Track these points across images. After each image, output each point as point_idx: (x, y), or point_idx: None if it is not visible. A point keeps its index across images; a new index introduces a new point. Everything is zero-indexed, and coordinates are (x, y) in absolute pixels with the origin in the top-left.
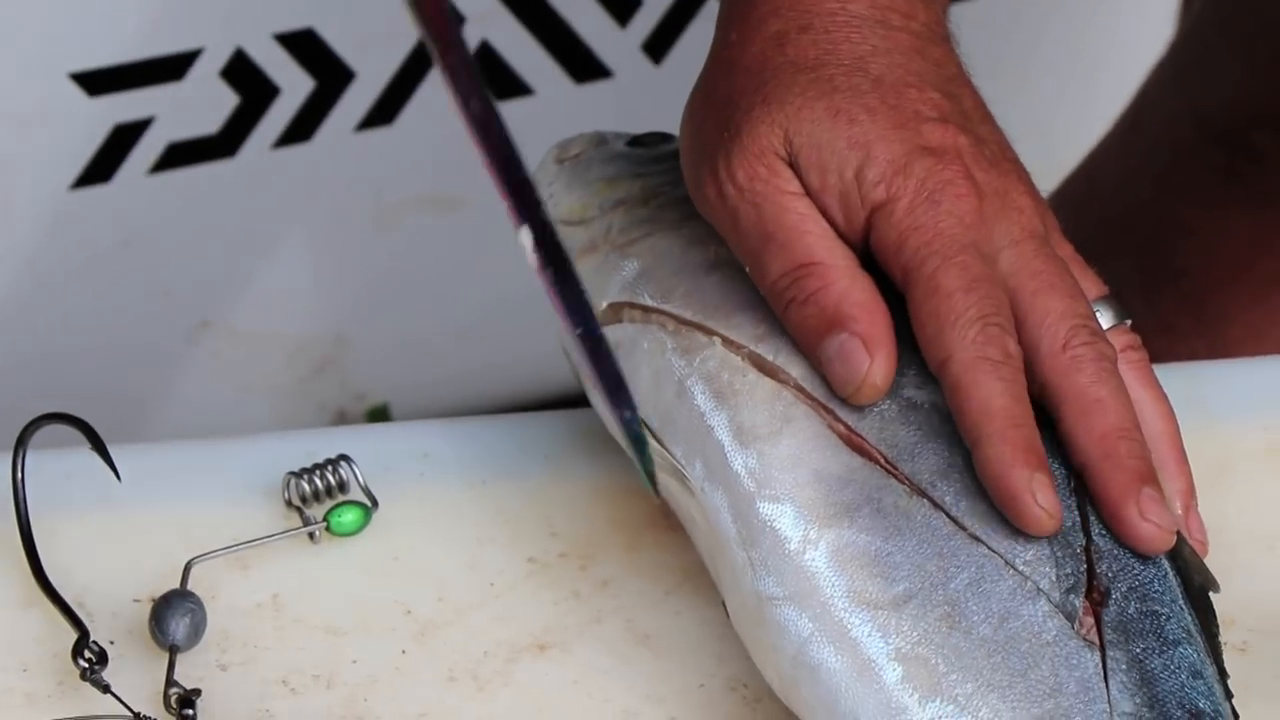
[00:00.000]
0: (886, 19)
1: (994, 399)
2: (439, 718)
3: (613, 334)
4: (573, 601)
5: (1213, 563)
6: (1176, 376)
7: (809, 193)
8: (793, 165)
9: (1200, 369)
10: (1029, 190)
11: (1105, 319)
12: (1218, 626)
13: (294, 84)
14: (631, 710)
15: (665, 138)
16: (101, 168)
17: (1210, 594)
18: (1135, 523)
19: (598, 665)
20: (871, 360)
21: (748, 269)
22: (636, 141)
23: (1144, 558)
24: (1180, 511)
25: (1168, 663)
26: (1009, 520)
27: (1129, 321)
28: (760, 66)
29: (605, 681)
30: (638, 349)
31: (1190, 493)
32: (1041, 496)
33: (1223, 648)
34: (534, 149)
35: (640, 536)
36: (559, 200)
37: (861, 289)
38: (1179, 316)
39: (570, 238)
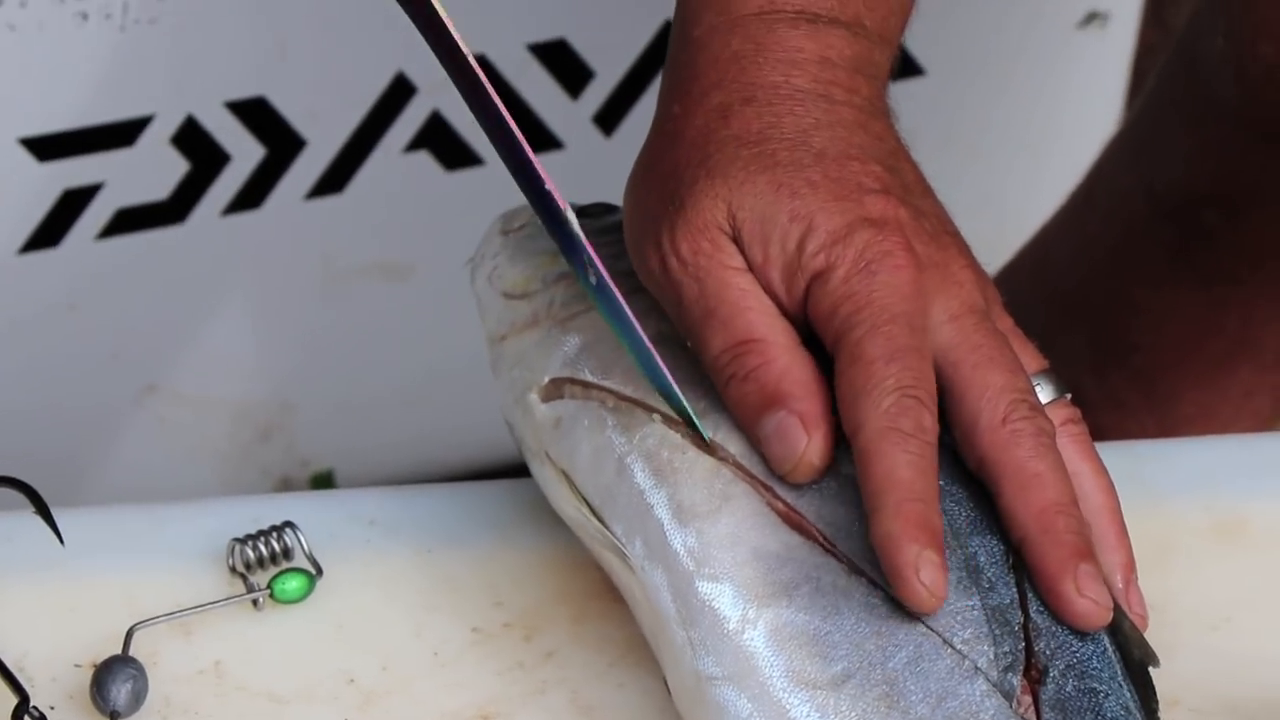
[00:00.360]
0: (829, 93)
1: (897, 470)
2: None
3: (553, 410)
4: (517, 672)
5: (1156, 641)
6: (1121, 454)
7: (752, 267)
8: (736, 239)
9: (1144, 447)
10: (969, 264)
11: (1045, 393)
12: (1157, 702)
13: (244, 151)
14: None
15: (610, 209)
16: (50, 232)
17: (1150, 669)
18: (1072, 599)
19: None
20: (809, 439)
21: (689, 344)
22: (582, 213)
23: (1082, 634)
24: (1121, 585)
25: None
26: (896, 597)
27: (1068, 395)
28: (704, 139)
29: None
30: (578, 426)
31: (1130, 566)
32: (925, 574)
33: None
34: (485, 218)
35: (585, 608)
36: (503, 274)
37: (801, 367)
38: (1129, 393)
39: (513, 311)
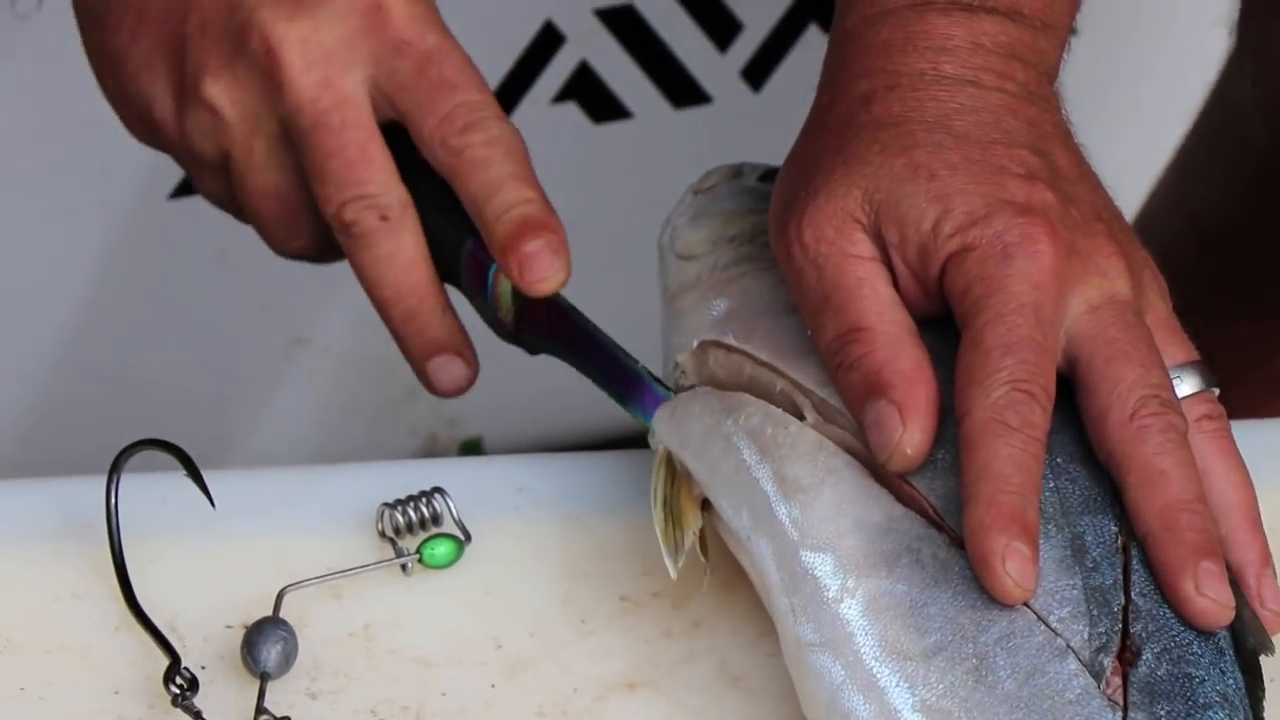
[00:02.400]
0: (979, 79)
1: (995, 462)
2: None
3: (671, 403)
4: (665, 641)
5: None
6: (1276, 434)
7: (888, 247)
8: (872, 224)
9: None
10: (1118, 252)
11: (1188, 386)
12: (1264, 690)
13: None
14: None
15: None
16: None
17: (1262, 657)
18: (1191, 597)
19: (688, 705)
20: (904, 428)
21: (808, 330)
22: (769, 176)
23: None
24: (1253, 580)
25: None
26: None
27: (1215, 390)
28: (844, 126)
29: None
30: (690, 413)
31: (1265, 561)
32: (1011, 564)
33: None
34: (629, 172)
35: (735, 576)
36: (681, 233)
37: (907, 358)
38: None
39: (681, 273)
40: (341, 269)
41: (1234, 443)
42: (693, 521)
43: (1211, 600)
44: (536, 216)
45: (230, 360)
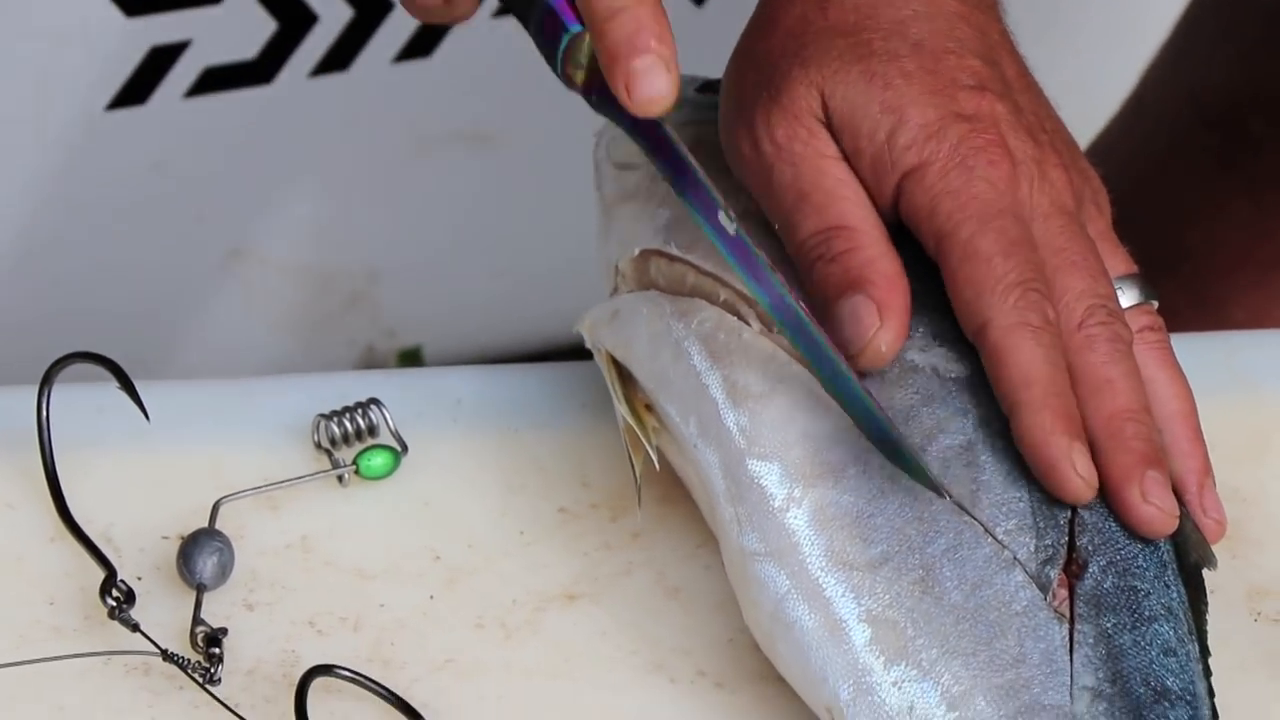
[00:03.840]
0: None
1: (1035, 366)
2: (465, 664)
3: (613, 304)
4: (603, 552)
5: (1248, 533)
6: (1215, 345)
7: (843, 156)
8: (828, 129)
9: (1240, 338)
10: (1063, 162)
11: (1130, 297)
12: (1207, 604)
13: (332, 12)
14: (659, 663)
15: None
16: (137, 89)
17: (1206, 571)
18: (1137, 504)
19: (626, 617)
20: (881, 324)
21: (777, 226)
22: (706, 87)
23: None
24: (1194, 490)
25: (1139, 638)
26: (1045, 488)
27: (1155, 302)
28: (800, 29)
29: (634, 634)
30: (637, 315)
31: (1204, 472)
32: (1080, 465)
33: (1256, 618)
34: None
35: (672, 489)
36: (618, 142)
37: (889, 261)
38: (1180, 300)
39: (619, 182)
40: (279, 179)
41: (1174, 354)
42: (649, 421)
43: (1157, 508)
44: (652, 25)
45: (166, 272)
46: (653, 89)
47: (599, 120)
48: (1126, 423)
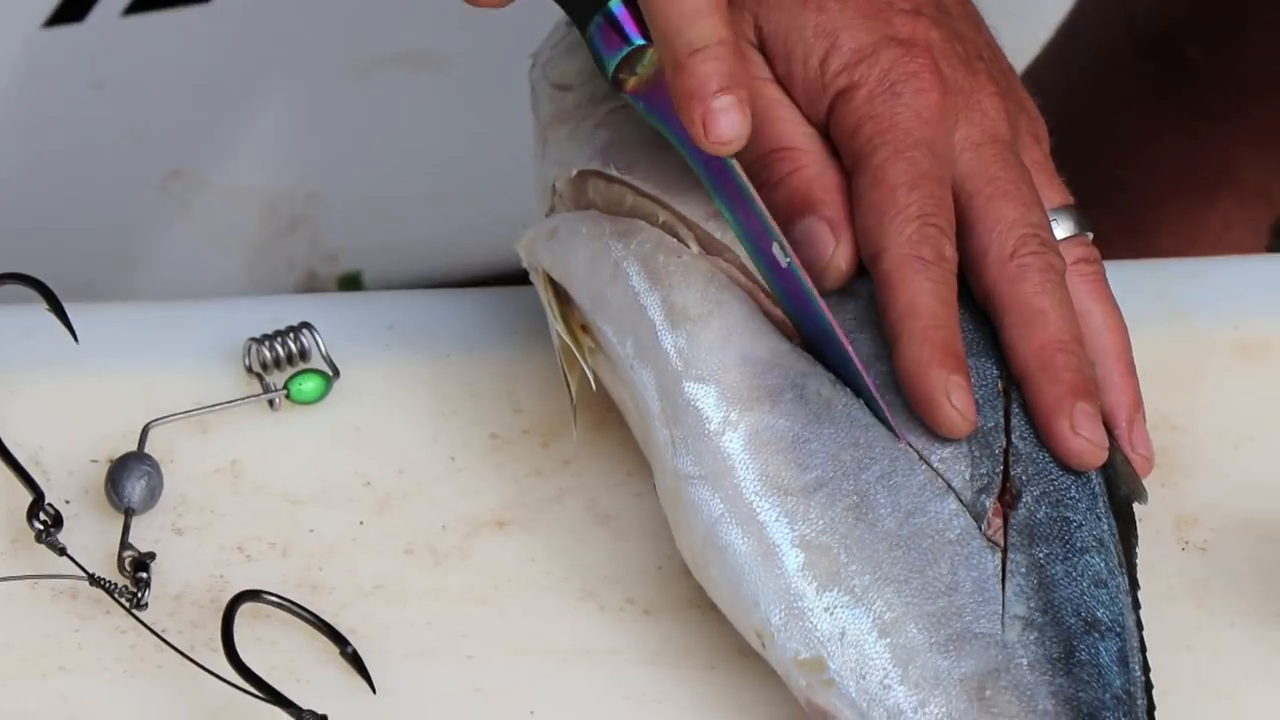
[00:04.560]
0: None
1: (920, 297)
2: (395, 590)
3: (551, 223)
4: (534, 479)
5: (1178, 461)
6: (1150, 273)
7: (776, 80)
8: (761, 52)
9: (1174, 266)
10: (999, 91)
11: (1065, 228)
12: (1137, 538)
13: None
14: (589, 590)
15: None
16: (75, 7)
17: (1135, 504)
18: (1066, 436)
19: (557, 544)
20: (836, 244)
21: None
22: None
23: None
24: (1124, 425)
25: (1070, 569)
26: (922, 419)
27: (1090, 234)
28: None
29: (564, 560)
30: (576, 234)
31: (1135, 406)
32: (956, 398)
33: (1184, 547)
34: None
35: (604, 416)
36: (557, 63)
37: (830, 174)
38: (1111, 229)
39: (557, 103)
40: (219, 100)
41: (1108, 286)
42: (584, 342)
43: (1086, 440)
44: (733, 68)
45: (104, 192)
46: (730, 130)
47: (539, 42)
48: (1057, 353)
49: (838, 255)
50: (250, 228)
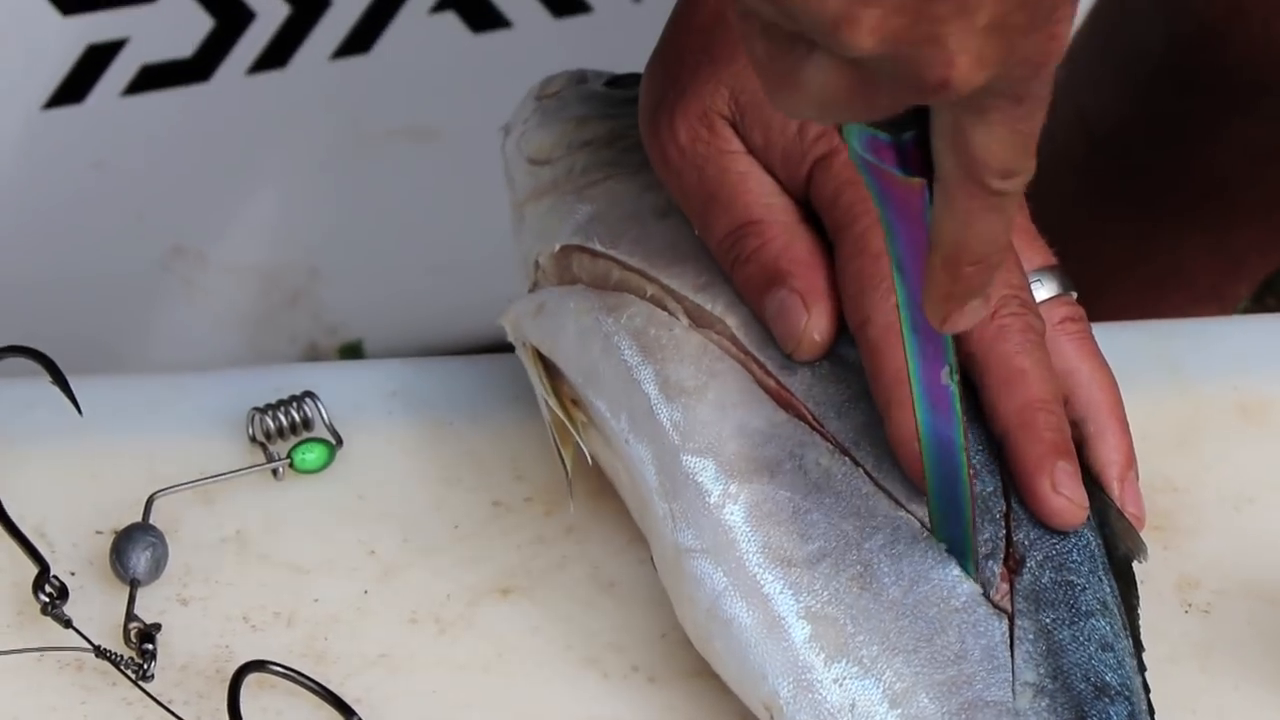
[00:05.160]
0: None
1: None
2: (399, 659)
3: (538, 298)
4: (537, 546)
5: (1179, 523)
6: (1147, 334)
7: (753, 150)
8: (737, 123)
9: (1171, 327)
10: None
11: (1048, 289)
12: (1138, 598)
13: (269, 9)
14: (593, 658)
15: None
16: (74, 88)
17: (1136, 563)
18: (1047, 496)
19: (560, 611)
20: (809, 315)
21: (696, 230)
22: (615, 82)
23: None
24: (1118, 482)
25: (1077, 634)
26: (913, 484)
27: (1074, 294)
28: (711, 25)
29: (567, 628)
30: (564, 309)
31: (1129, 464)
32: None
33: (1186, 609)
34: (510, 83)
35: (605, 483)
36: (530, 138)
37: (800, 244)
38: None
39: (535, 177)
40: (219, 176)
41: (1095, 344)
42: (576, 416)
43: (1067, 499)
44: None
45: (107, 270)
46: (968, 320)
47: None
48: (1038, 413)
49: (810, 327)
50: (252, 302)
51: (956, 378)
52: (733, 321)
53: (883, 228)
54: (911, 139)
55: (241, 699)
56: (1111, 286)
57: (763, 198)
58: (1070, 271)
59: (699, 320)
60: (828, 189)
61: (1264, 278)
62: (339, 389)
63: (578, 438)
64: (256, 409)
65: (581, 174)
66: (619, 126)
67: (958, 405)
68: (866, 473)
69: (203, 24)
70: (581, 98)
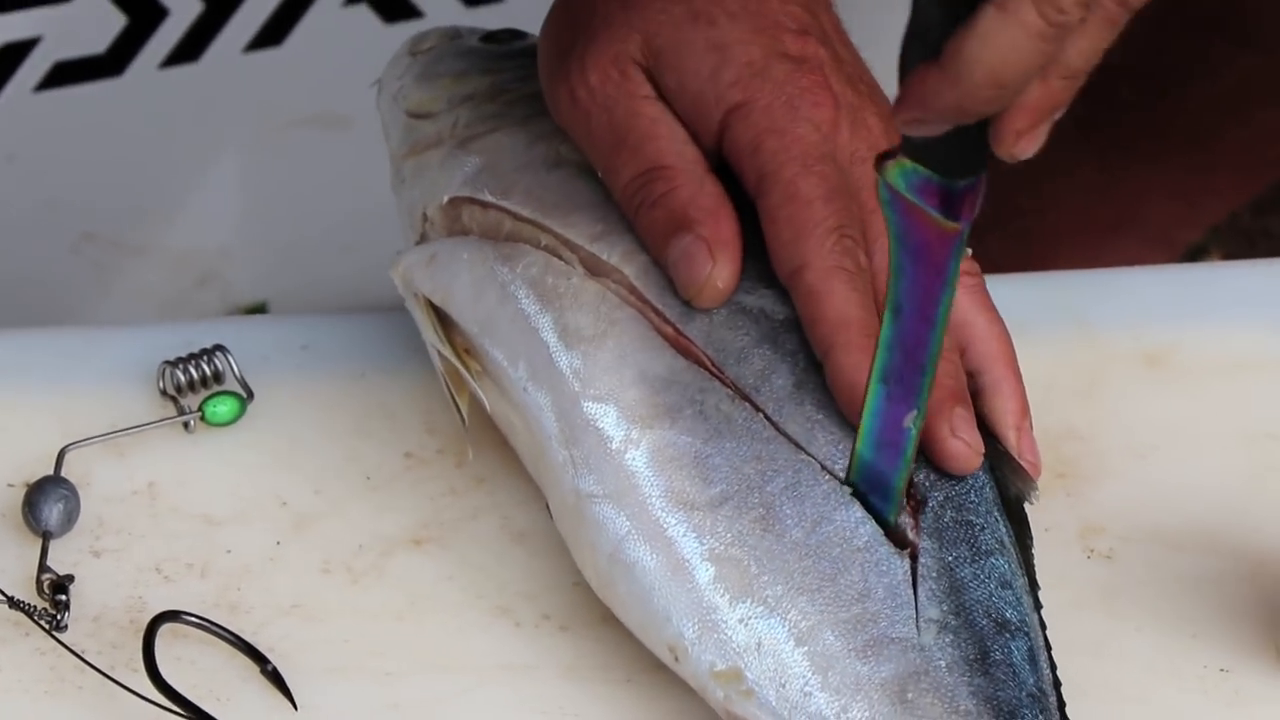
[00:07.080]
0: None
1: (850, 309)
2: (312, 609)
3: (429, 249)
4: (449, 497)
5: (1083, 470)
6: (1053, 284)
7: (665, 95)
8: (650, 68)
9: (1076, 278)
10: (880, 111)
11: None
12: (1031, 538)
13: (182, 4)
14: (505, 606)
15: (518, 34)
16: None
17: (1027, 504)
18: (946, 439)
19: (472, 561)
20: (714, 262)
21: (600, 174)
22: (490, 38)
23: None
24: (1013, 430)
25: (978, 572)
26: (852, 427)
27: (968, 250)
28: None
29: (479, 577)
30: (457, 259)
31: (1024, 413)
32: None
33: (1090, 555)
34: None
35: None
36: (408, 93)
37: (709, 193)
38: (1004, 256)
39: (416, 131)
40: (131, 167)
41: (989, 296)
42: (471, 365)
43: (964, 443)
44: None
45: (19, 255)
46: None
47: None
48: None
49: (714, 274)
50: (162, 284)
51: (921, 423)
52: (630, 270)
53: (890, 266)
54: (966, 187)
55: (155, 649)
56: (1062, 223)
57: (674, 144)
58: (1022, 211)
59: (595, 269)
60: (745, 136)
61: (1212, 224)
62: (250, 343)
63: (474, 386)
64: (167, 362)
65: (465, 127)
66: (499, 81)
67: (910, 449)
68: (767, 417)
69: (116, 21)
70: (458, 53)
